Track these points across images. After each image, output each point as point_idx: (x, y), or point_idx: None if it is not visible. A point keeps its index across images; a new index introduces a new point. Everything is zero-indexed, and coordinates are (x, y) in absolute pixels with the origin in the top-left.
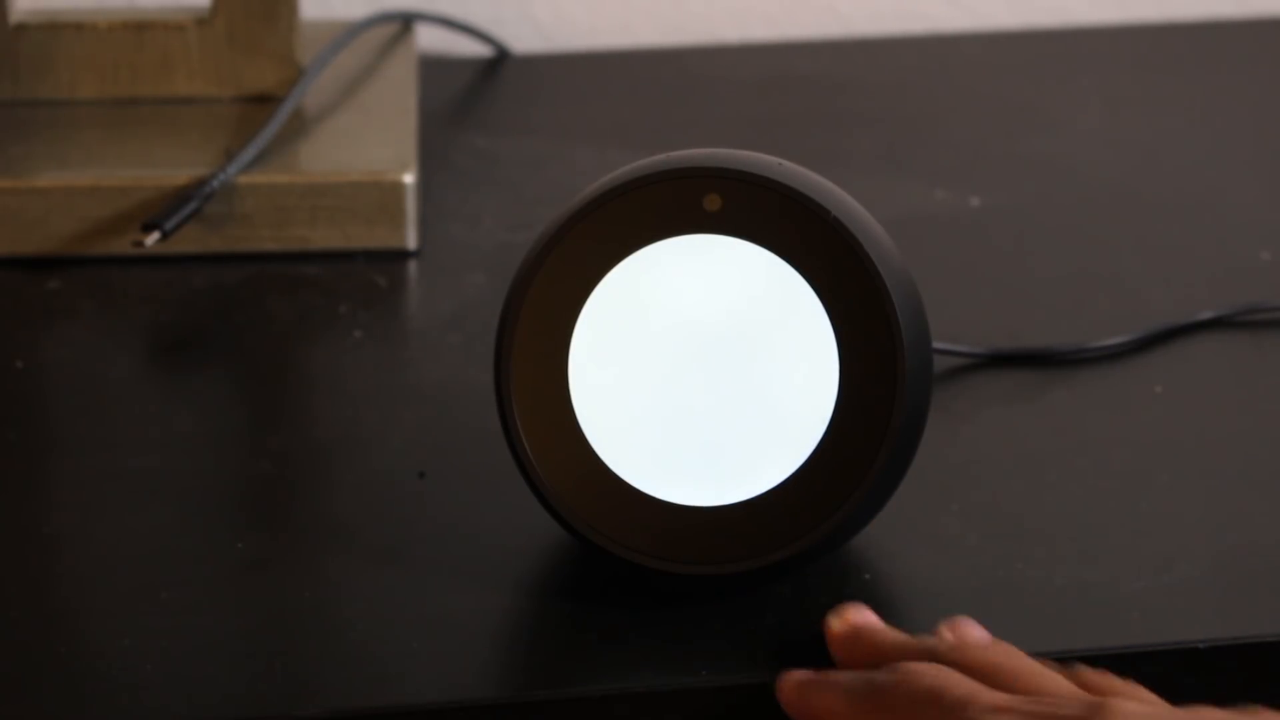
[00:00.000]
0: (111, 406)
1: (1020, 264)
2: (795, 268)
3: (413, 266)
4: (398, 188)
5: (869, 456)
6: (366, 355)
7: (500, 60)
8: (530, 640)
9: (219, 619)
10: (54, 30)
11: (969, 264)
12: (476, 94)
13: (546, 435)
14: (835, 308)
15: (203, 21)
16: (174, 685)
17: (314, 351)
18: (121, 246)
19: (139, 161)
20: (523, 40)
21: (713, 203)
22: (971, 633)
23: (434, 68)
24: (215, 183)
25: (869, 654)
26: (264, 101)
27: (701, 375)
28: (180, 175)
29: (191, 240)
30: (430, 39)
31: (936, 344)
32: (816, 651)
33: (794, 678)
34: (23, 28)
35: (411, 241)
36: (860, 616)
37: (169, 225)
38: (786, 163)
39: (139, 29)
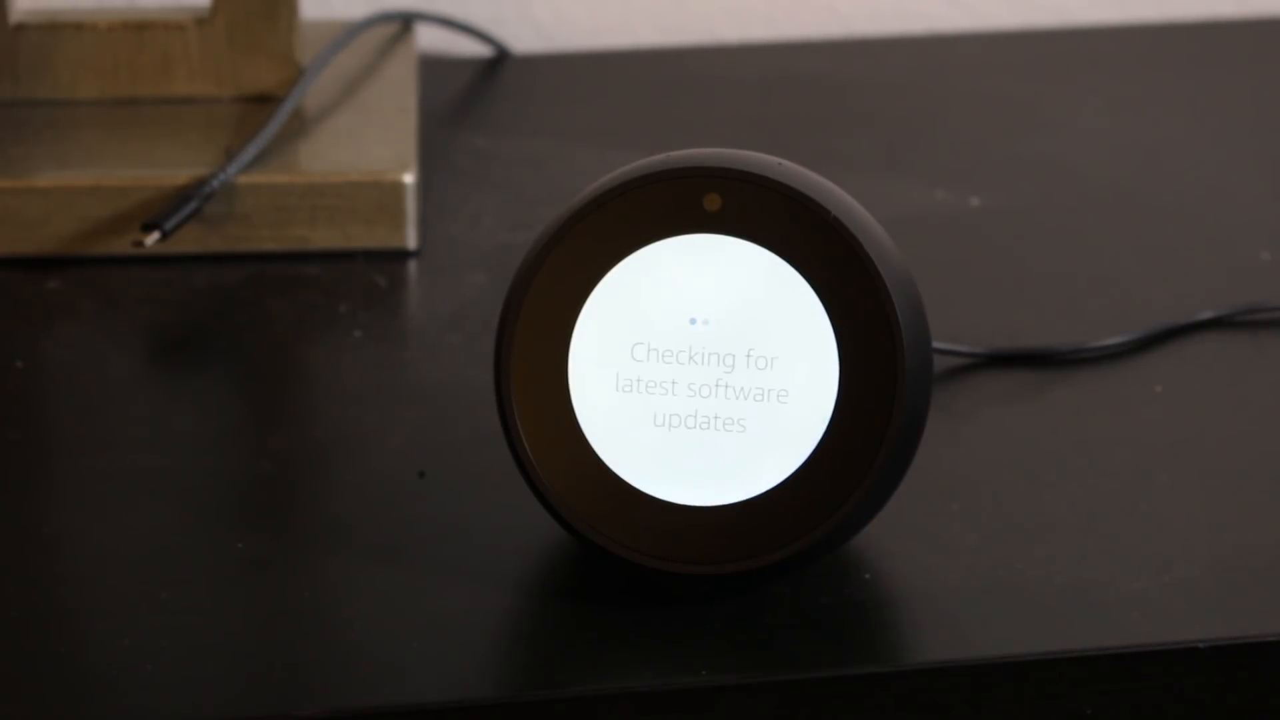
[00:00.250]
0: (111, 406)
1: (1020, 264)
2: (795, 268)
3: (413, 266)
4: (398, 188)
5: (869, 456)
6: (366, 355)
7: (500, 60)
8: (530, 640)
9: (219, 619)
10: (54, 30)
11: (969, 264)
12: (476, 94)
13: (546, 435)
14: (835, 308)
15: (203, 21)
16: (174, 685)
17: (314, 351)
18: (121, 246)
19: (139, 161)
20: (523, 40)
21: (713, 202)
22: None
23: (434, 68)
24: (215, 183)
25: None
26: (264, 101)
27: (701, 376)
28: (180, 175)
29: (191, 240)
30: (430, 39)
31: (936, 344)
32: (817, 651)
33: None
34: (23, 28)
35: (411, 241)
36: None
37: (169, 225)
38: (786, 163)
39: (139, 29)
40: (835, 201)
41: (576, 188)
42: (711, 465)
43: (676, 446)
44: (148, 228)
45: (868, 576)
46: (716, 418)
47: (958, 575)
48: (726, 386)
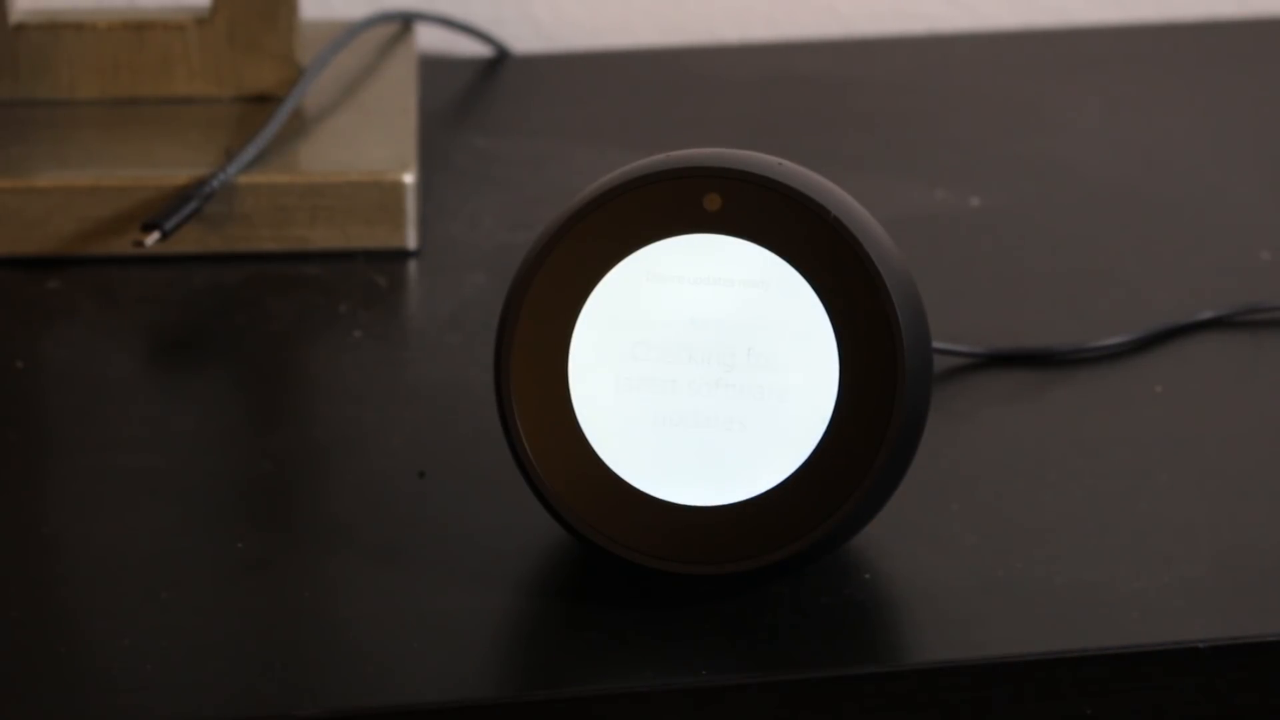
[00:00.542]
0: (111, 406)
1: (1020, 264)
2: (795, 268)
3: (413, 266)
4: (398, 188)
5: (869, 456)
6: (366, 355)
7: (500, 60)
8: (530, 640)
9: (219, 619)
10: (54, 30)
11: (969, 264)
12: (476, 94)
13: (546, 435)
14: (835, 308)
15: (203, 21)
16: (174, 685)
17: (314, 351)
18: (121, 246)
19: (139, 161)
20: (523, 40)
21: (713, 202)
22: None
23: (434, 68)
24: (215, 183)
25: None
26: (264, 101)
27: (701, 375)
28: (180, 175)
29: (191, 240)
30: (430, 39)
31: (936, 344)
32: (817, 651)
33: None
34: (23, 28)
35: (411, 241)
36: None
37: (169, 225)
38: (786, 163)
39: (139, 29)
40: (835, 201)
41: (576, 188)
42: (711, 465)
43: (676, 446)
44: (148, 228)
45: (868, 576)
46: (716, 417)
47: (958, 575)
48: (726, 386)
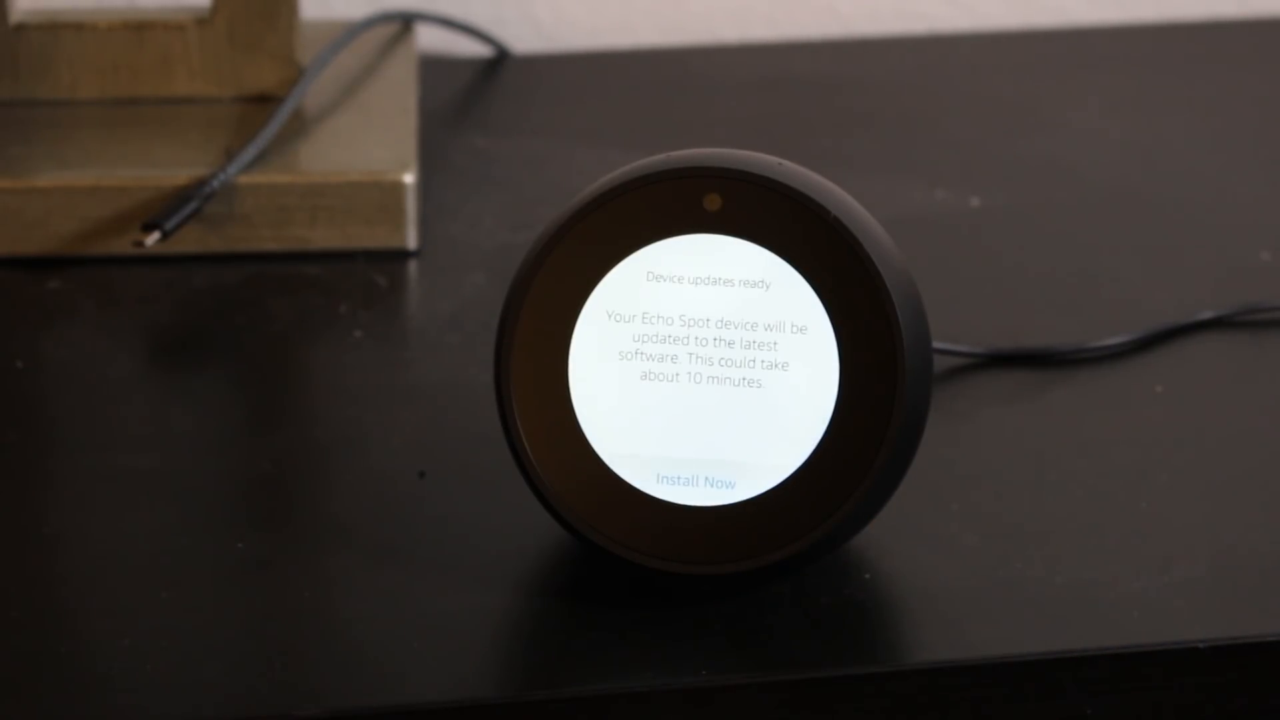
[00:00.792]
0: (111, 406)
1: (1020, 264)
2: (795, 268)
3: (413, 266)
4: (398, 188)
5: (869, 456)
6: (366, 355)
7: (500, 60)
8: (530, 640)
9: (219, 619)
10: (54, 30)
11: (969, 264)
12: (476, 94)
13: (546, 435)
14: (835, 308)
15: (203, 21)
16: (174, 685)
17: (314, 351)
18: (121, 246)
19: (139, 161)
20: (523, 40)
21: (713, 203)
22: None
23: (434, 68)
24: (215, 183)
25: None
26: (264, 101)
27: (701, 375)
28: (180, 175)
29: (191, 240)
30: (430, 39)
31: (936, 344)
32: (817, 651)
33: None
34: (23, 28)
35: (411, 241)
36: None
37: (169, 225)
38: (786, 163)
39: (139, 29)
40: (835, 201)
41: (576, 188)
42: (711, 465)
43: (676, 446)
44: (148, 228)
45: (868, 576)
46: (716, 417)
47: (958, 575)
48: (726, 386)
